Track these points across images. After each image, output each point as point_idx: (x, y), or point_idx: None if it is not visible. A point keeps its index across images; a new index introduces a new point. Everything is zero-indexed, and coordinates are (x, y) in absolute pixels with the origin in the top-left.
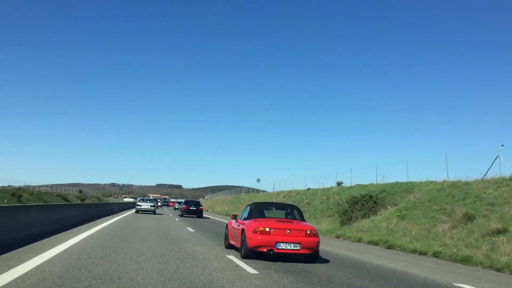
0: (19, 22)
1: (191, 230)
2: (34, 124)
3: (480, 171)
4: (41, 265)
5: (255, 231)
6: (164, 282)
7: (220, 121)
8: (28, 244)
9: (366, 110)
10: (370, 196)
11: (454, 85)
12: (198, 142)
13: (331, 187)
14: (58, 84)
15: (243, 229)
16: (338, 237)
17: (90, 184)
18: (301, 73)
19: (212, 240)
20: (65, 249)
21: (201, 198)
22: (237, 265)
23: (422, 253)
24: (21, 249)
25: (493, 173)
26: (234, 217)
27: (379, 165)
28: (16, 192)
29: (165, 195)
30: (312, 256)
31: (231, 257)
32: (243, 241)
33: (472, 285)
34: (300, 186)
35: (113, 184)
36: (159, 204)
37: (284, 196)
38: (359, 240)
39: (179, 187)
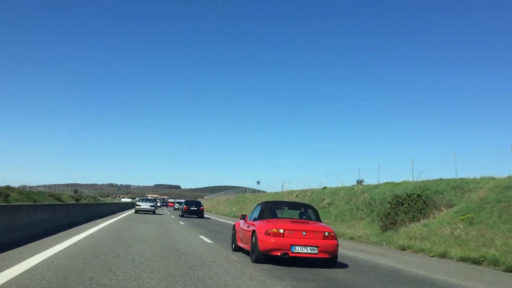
0: (19, 22)
1: (207, 240)
2: (32, 124)
3: None
4: None
5: (267, 233)
6: None
7: (219, 121)
8: None
9: (366, 110)
10: (419, 195)
11: (454, 85)
12: (196, 142)
13: (353, 186)
14: (58, 84)
15: (253, 231)
16: (380, 244)
17: (88, 185)
18: (301, 73)
19: (246, 258)
20: None
21: (200, 199)
22: None
23: None
24: None
25: None
26: (243, 217)
27: (382, 164)
28: (3, 192)
29: (163, 195)
30: (331, 260)
31: None
32: (254, 243)
33: None
34: (313, 184)
35: (111, 185)
36: (158, 204)
37: (297, 196)
38: (421, 250)
39: (178, 187)
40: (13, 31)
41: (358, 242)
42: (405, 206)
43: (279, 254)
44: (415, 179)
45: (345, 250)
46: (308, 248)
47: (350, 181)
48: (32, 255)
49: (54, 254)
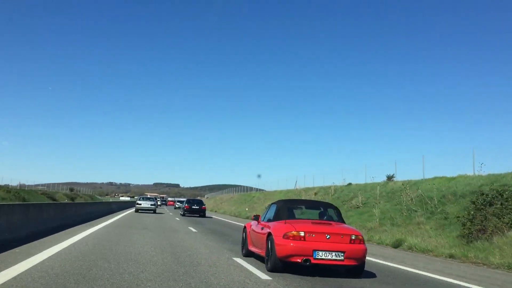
0: (19, 22)
1: (245, 265)
2: (32, 123)
3: None
4: None
5: (286, 236)
6: None
7: (218, 120)
8: None
9: (366, 109)
10: None
11: (454, 85)
12: (196, 141)
13: (387, 182)
14: (57, 84)
15: (269, 233)
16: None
17: (87, 183)
18: (301, 73)
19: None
20: None
21: (199, 197)
22: None
23: None
24: None
25: None
26: (256, 218)
27: (424, 157)
28: None
29: (162, 194)
30: (359, 268)
31: None
32: (270, 248)
33: None
34: (326, 181)
35: (111, 183)
36: (159, 203)
37: (316, 193)
38: None
39: (177, 186)
40: (14, 31)
41: (433, 256)
42: (497, 207)
43: (299, 260)
44: (476, 173)
45: (427, 273)
46: (333, 253)
47: (380, 177)
48: None
49: None
